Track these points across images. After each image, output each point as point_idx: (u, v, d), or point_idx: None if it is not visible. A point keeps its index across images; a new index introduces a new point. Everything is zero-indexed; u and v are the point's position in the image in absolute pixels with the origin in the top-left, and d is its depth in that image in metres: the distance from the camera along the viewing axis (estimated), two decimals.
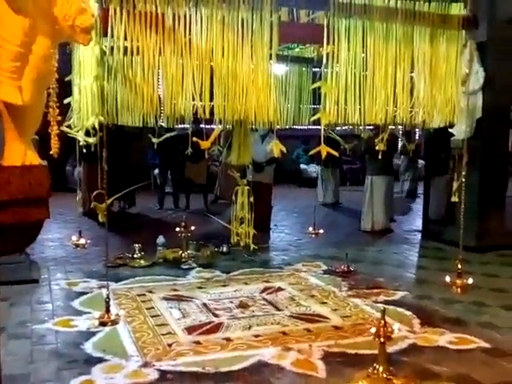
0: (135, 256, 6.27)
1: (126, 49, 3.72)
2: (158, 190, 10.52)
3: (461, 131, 5.97)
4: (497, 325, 4.41)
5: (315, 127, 4.40)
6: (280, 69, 5.51)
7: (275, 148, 3.90)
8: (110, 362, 3.66)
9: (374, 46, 3.92)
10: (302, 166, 14.36)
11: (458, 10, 4.15)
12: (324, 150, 3.77)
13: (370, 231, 8.26)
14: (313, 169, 14.20)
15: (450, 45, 4.06)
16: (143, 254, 6.32)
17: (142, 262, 6.21)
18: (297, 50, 5.47)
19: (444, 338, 4.10)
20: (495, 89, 6.31)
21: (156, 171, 10.97)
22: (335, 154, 4.25)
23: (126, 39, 3.63)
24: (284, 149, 3.94)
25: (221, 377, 3.48)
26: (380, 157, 6.26)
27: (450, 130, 6.43)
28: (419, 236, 8.08)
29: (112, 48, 3.71)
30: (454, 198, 4.53)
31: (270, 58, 3.91)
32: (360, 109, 3.90)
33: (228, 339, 4.08)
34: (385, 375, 3.10)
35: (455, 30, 4.02)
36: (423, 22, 3.91)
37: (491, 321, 4.50)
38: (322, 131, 3.81)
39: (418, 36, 4.01)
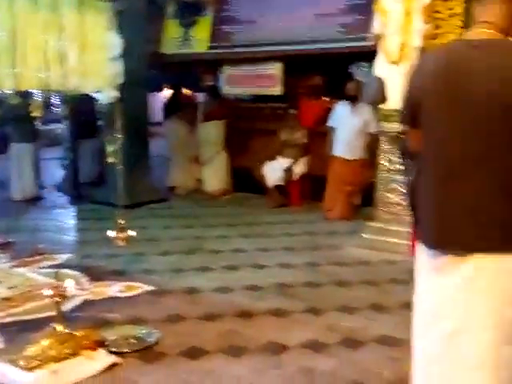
0: None
1: None
2: None
3: (106, 96, 6.27)
4: (156, 270, 5.03)
5: None
6: None
7: None
8: None
9: (22, 12, 3.79)
10: None
11: None
12: None
13: (21, 200, 7.98)
14: None
15: (97, 14, 4.24)
16: None
17: None
18: None
19: (113, 289, 4.47)
20: (133, 56, 6.79)
21: None
22: None
23: None
24: None
25: None
26: (27, 123, 6.08)
27: (93, 94, 6.65)
28: (72, 200, 8.18)
29: None
30: (110, 160, 4.82)
31: None
32: (13, 74, 3.74)
33: None
34: (66, 330, 3.26)
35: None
36: None
37: (151, 267, 5.09)
38: None
39: (66, 5, 4.05)
